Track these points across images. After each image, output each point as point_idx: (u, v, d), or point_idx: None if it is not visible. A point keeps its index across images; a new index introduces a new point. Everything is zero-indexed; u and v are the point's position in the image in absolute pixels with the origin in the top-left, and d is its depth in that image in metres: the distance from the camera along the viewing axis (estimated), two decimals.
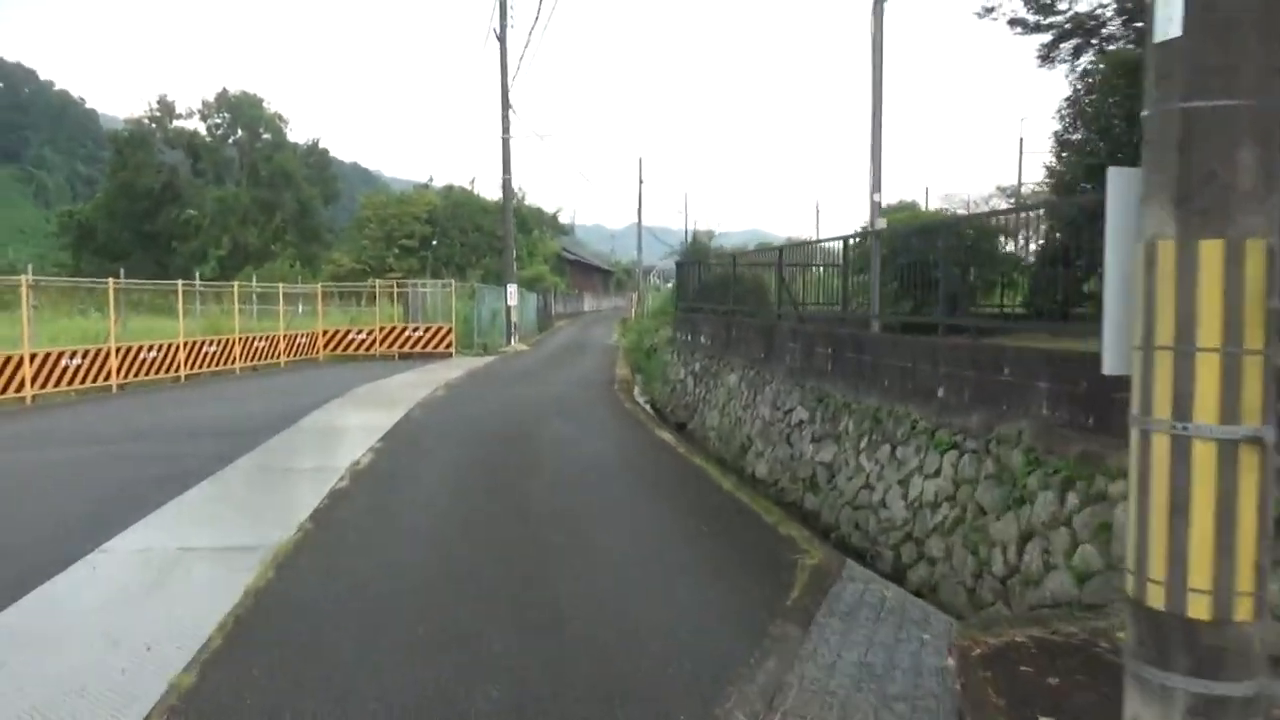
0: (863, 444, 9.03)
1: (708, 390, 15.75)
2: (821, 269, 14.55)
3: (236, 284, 25.20)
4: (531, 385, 19.38)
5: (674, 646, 4.79)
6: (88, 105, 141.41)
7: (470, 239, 49.40)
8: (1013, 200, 36.47)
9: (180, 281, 21.98)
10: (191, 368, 20.76)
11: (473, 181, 55.21)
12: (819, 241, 12.54)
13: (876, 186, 10.33)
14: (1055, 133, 14.07)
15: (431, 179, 67.30)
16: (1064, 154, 14.12)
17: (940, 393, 7.94)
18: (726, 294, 16.17)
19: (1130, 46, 13.25)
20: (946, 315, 8.60)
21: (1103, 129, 12.44)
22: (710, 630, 5.07)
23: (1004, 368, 7.04)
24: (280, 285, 27.56)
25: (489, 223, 47.88)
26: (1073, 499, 5.82)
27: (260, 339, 24.23)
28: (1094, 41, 13.01)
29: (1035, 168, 53.12)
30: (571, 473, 10.06)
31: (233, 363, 22.57)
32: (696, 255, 33.38)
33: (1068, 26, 12.76)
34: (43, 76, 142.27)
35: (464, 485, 9.29)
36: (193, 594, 5.67)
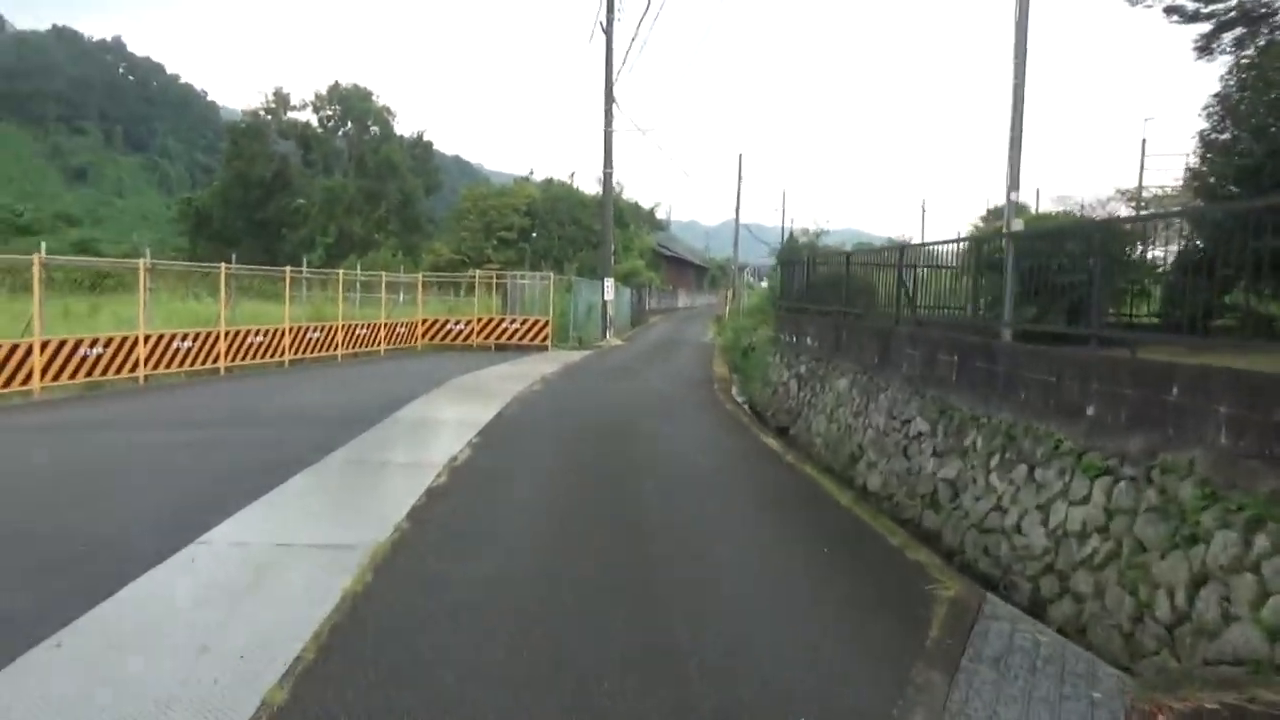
0: (993, 462, 8.30)
1: (814, 394, 15.08)
2: (929, 270, 13.75)
3: (341, 271, 25.60)
4: (629, 381, 19.03)
5: (804, 689, 4.28)
6: (209, 98, 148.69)
7: (568, 232, 49.49)
8: (1133, 204, 34.41)
9: (288, 268, 22.41)
10: (295, 353, 21.12)
11: (572, 175, 55.73)
12: (942, 243, 11.76)
13: (1014, 184, 9.52)
14: (1200, 132, 12.91)
15: (531, 172, 68.10)
16: (1209, 155, 12.96)
17: (1090, 411, 7.17)
18: (836, 294, 15.44)
19: None
20: (1098, 326, 7.78)
21: (1257, 129, 11.31)
22: (843, 671, 4.54)
23: (1171, 387, 6.26)
24: (383, 274, 27.93)
25: (587, 216, 47.89)
26: (1262, 542, 5.06)
27: (362, 327, 24.53)
28: (1263, 31, 11.83)
29: (1156, 171, 50.31)
30: (674, 475, 9.62)
31: (334, 349, 22.89)
32: (793, 254, 32.51)
33: (1232, 15, 11.63)
34: (169, 70, 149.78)
35: (563, 486, 8.94)
36: (288, 596, 5.42)
